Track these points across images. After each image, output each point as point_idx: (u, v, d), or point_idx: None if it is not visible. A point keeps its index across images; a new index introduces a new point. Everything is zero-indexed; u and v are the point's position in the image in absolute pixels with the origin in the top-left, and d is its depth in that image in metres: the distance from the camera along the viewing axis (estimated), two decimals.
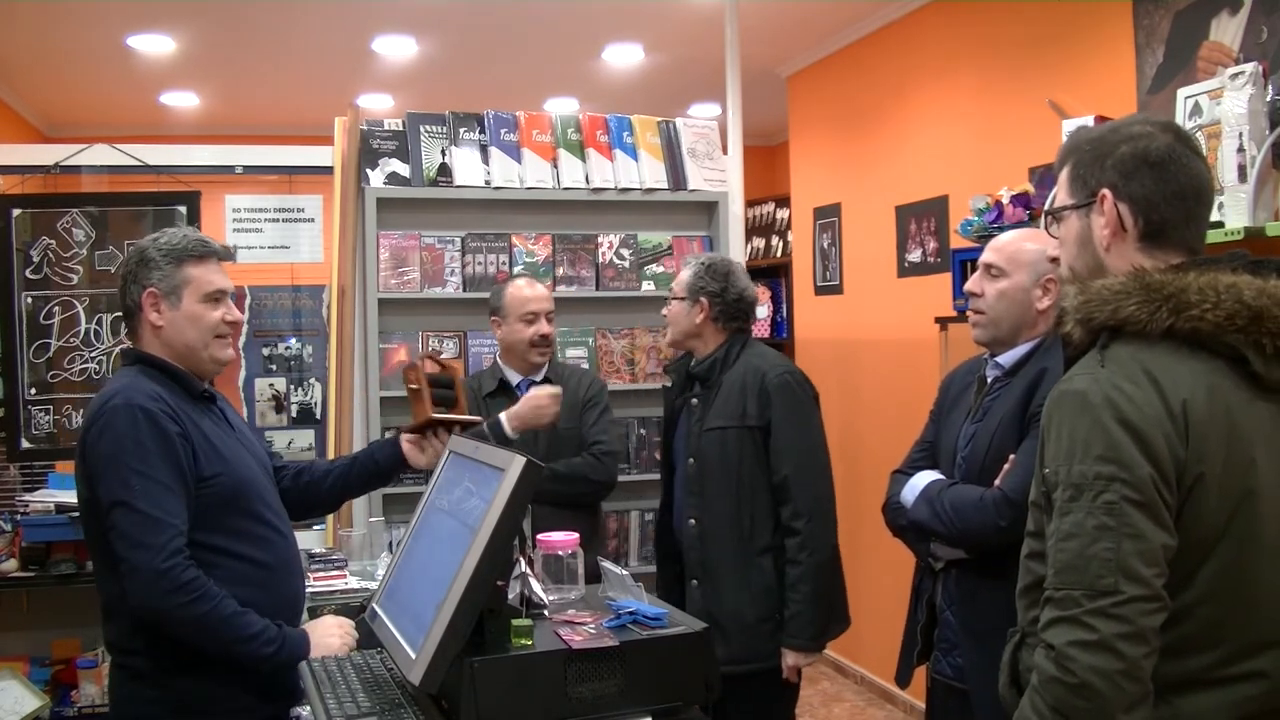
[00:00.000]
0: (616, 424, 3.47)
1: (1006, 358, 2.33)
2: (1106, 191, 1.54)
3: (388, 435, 2.85)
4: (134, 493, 2.00)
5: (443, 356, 2.84)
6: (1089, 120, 2.78)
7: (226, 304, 2.24)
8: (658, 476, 3.92)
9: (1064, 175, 1.62)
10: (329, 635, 2.20)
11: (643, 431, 3.95)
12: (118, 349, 4.07)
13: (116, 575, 2.07)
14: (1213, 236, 2.31)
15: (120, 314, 2.27)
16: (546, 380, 3.35)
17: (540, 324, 3.33)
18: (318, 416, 4.59)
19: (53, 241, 4.10)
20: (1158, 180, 1.51)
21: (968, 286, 2.40)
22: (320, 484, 2.47)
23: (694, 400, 3.04)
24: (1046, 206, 1.84)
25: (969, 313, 2.40)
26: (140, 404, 2.06)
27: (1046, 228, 1.69)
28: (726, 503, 2.91)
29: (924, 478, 2.38)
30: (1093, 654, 1.33)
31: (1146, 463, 1.37)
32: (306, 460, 2.57)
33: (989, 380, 2.36)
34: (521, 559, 1.97)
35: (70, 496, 3.33)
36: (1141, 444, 1.37)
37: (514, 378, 3.35)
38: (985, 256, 2.37)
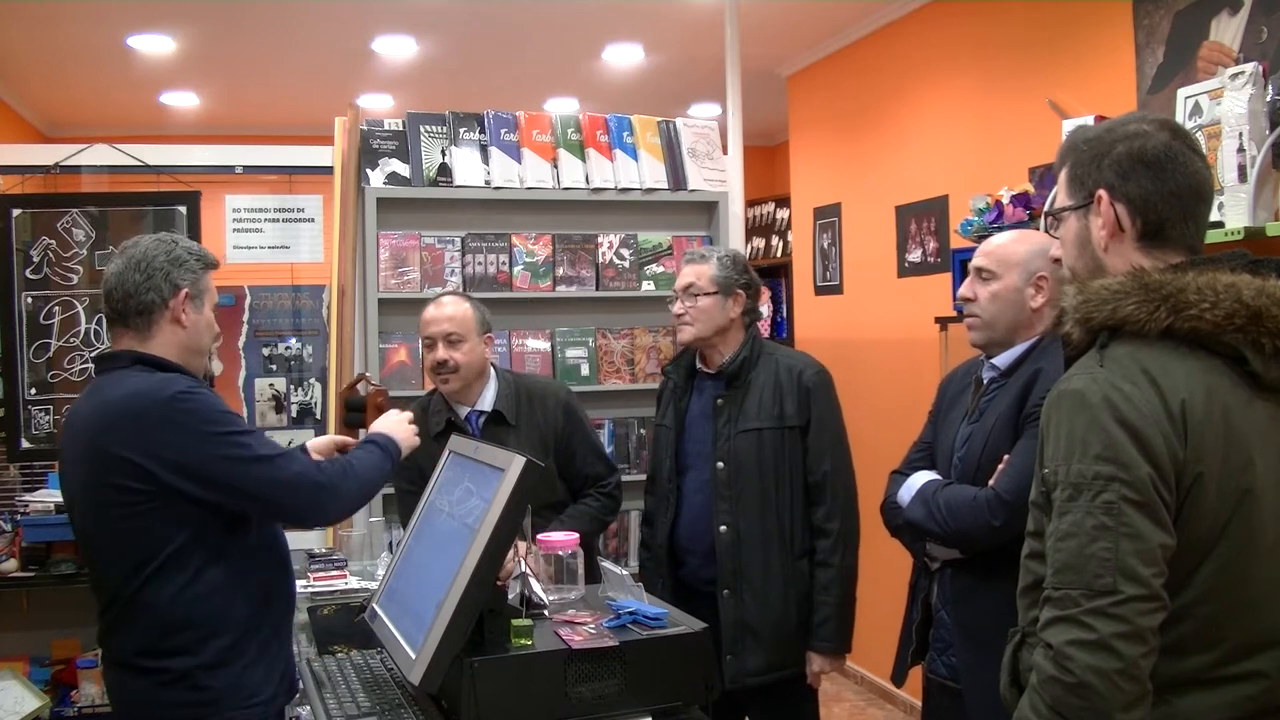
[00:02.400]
0: (595, 429, 3.19)
1: (1002, 359, 2.33)
2: (1103, 192, 1.54)
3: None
4: (253, 448, 2.07)
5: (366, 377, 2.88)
6: (1089, 120, 2.78)
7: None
8: None
9: (1063, 176, 1.62)
10: (406, 432, 2.44)
11: (643, 431, 3.95)
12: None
13: (161, 576, 2.05)
14: (1213, 236, 2.31)
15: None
16: (498, 413, 2.99)
17: (437, 349, 2.93)
18: (317, 416, 4.59)
19: (53, 241, 4.10)
20: (1155, 180, 1.51)
21: (961, 292, 2.41)
22: None
23: (719, 400, 2.88)
24: (1046, 207, 1.84)
25: (964, 317, 2.41)
26: (182, 387, 2.08)
27: (1047, 229, 1.69)
28: (764, 507, 2.80)
29: (920, 478, 2.39)
30: (1091, 653, 1.33)
31: (1145, 462, 1.37)
32: None
33: (985, 381, 2.37)
34: (522, 559, 1.98)
35: None
36: (1140, 444, 1.37)
37: (461, 411, 3.00)
38: (975, 260, 2.38)
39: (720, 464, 2.84)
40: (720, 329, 2.91)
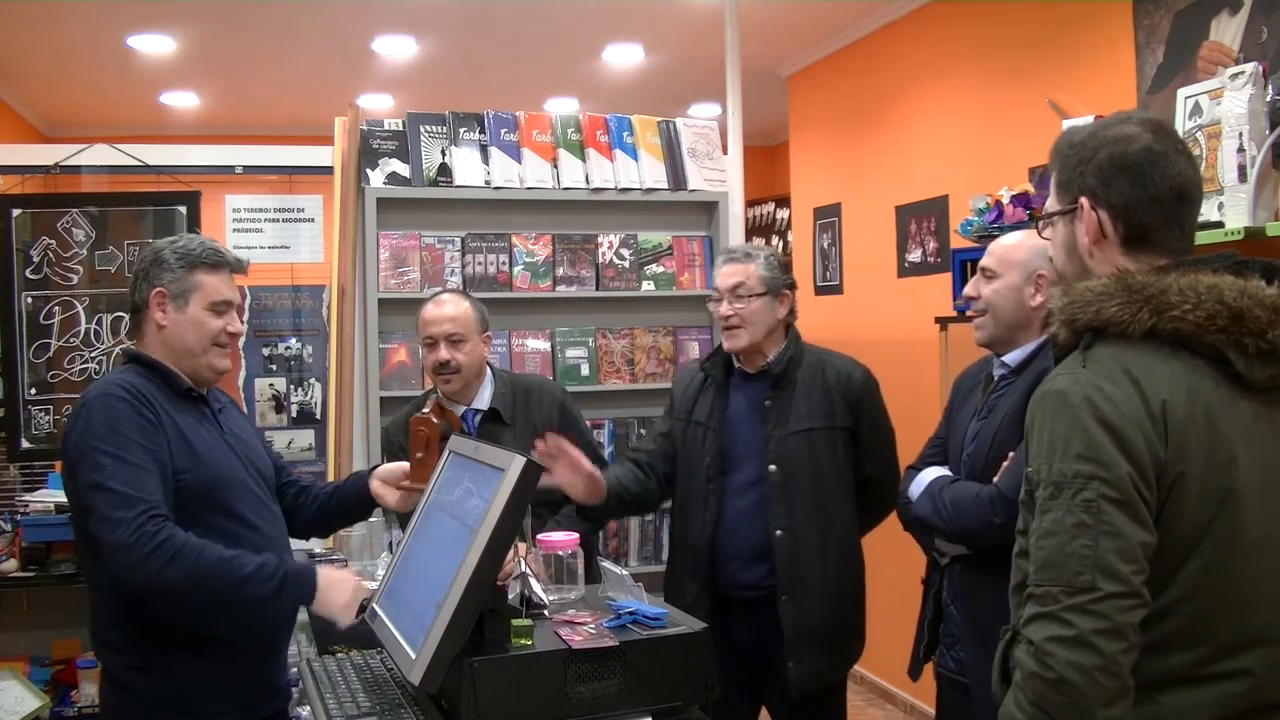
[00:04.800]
0: (590, 429, 3.21)
1: (1012, 356, 2.36)
2: (1084, 199, 1.55)
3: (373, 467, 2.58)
4: (106, 473, 2.01)
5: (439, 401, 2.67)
6: (1089, 120, 2.78)
7: (231, 315, 2.26)
8: None
9: (1053, 179, 1.63)
10: (340, 591, 2.13)
11: (643, 432, 3.95)
12: (118, 349, 4.07)
13: (98, 569, 2.09)
14: (1213, 236, 2.31)
15: (121, 313, 2.29)
16: (494, 411, 2.99)
17: (439, 350, 2.93)
18: (317, 417, 4.59)
19: (53, 241, 4.10)
20: (1134, 185, 1.51)
21: (965, 291, 2.45)
22: (307, 509, 2.48)
23: (767, 402, 2.79)
24: (1042, 210, 1.85)
25: (970, 315, 2.45)
26: (114, 393, 2.09)
27: (1040, 232, 1.71)
28: (818, 509, 2.75)
29: (930, 473, 2.41)
30: (1070, 650, 1.34)
31: (1125, 461, 1.38)
32: (311, 482, 2.56)
33: (995, 378, 2.39)
34: (522, 559, 1.97)
35: None
36: (1120, 443, 1.38)
37: (457, 409, 2.96)
38: (981, 261, 2.43)
39: (773, 467, 2.74)
40: (770, 330, 2.84)
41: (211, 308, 2.22)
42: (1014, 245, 2.38)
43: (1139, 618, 1.37)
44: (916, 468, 2.50)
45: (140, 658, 2.09)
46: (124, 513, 1.98)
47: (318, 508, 2.48)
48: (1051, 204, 1.63)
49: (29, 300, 4.08)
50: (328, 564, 2.96)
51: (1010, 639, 1.52)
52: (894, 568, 2.93)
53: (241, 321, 2.35)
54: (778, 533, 2.73)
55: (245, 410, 4.50)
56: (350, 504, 2.48)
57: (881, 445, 2.88)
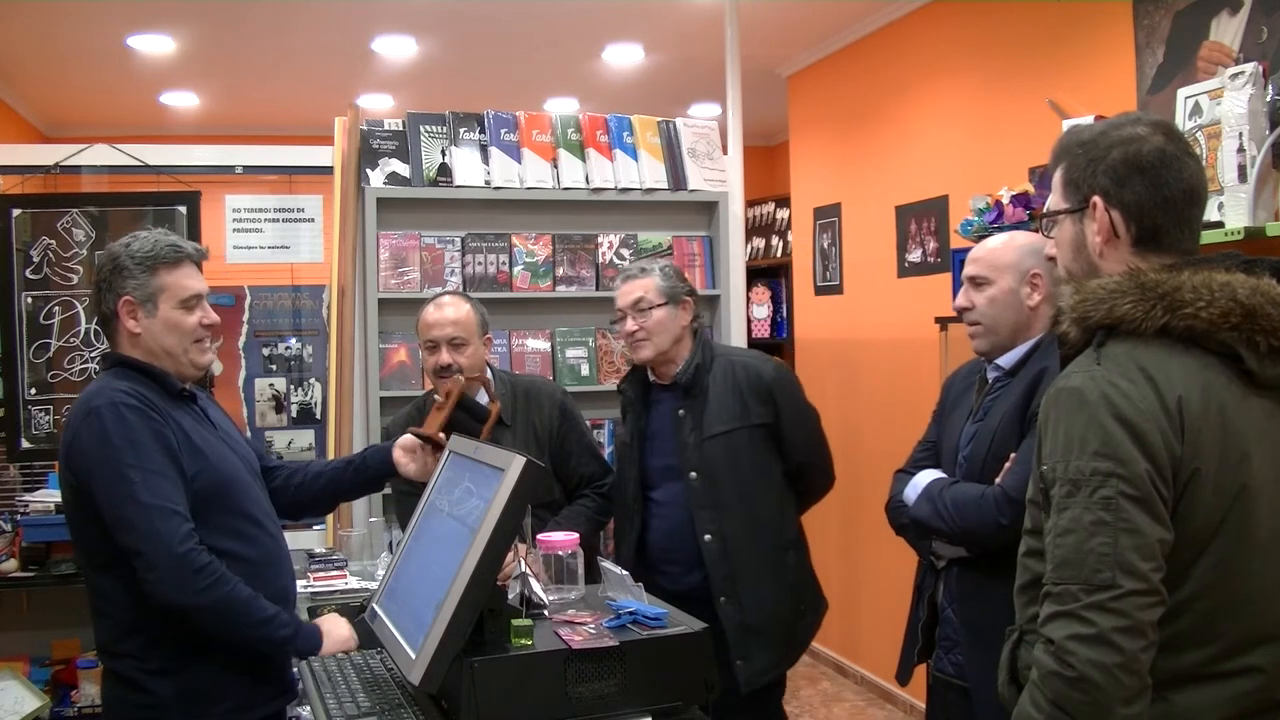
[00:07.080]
0: (590, 430, 3.24)
1: (1007, 358, 2.34)
2: (1098, 199, 1.54)
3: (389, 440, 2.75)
4: (135, 486, 2.01)
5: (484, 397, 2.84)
6: (1089, 120, 2.78)
7: (203, 307, 2.24)
8: None
9: (1057, 178, 1.62)
10: (337, 626, 2.23)
11: None
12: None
13: (110, 575, 2.09)
14: (1213, 236, 2.31)
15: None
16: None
17: (440, 353, 2.94)
18: (318, 416, 4.59)
19: (53, 241, 4.10)
20: (1149, 186, 1.52)
21: (957, 303, 2.42)
22: (312, 485, 2.48)
23: (680, 411, 2.88)
24: (1044, 208, 1.85)
25: (965, 326, 2.42)
26: (123, 401, 2.08)
27: (1043, 231, 1.70)
28: (745, 508, 2.83)
29: (926, 476, 2.39)
30: (1091, 648, 1.34)
31: (1143, 458, 1.38)
32: (302, 461, 2.56)
33: (990, 380, 2.38)
34: (521, 559, 1.97)
35: None
36: (1138, 440, 1.38)
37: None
38: (966, 269, 2.39)
39: (694, 474, 2.84)
40: (677, 339, 2.93)
41: (182, 305, 2.20)
42: (999, 248, 2.36)
43: (1157, 615, 1.37)
44: (908, 471, 2.48)
45: (155, 662, 2.10)
46: (163, 526, 2.01)
47: (327, 483, 2.48)
48: (1057, 202, 1.62)
49: (29, 300, 4.08)
50: (325, 563, 2.97)
51: (1018, 639, 1.52)
52: (896, 567, 2.93)
53: (241, 312, 2.35)
54: (705, 538, 2.81)
55: (245, 411, 4.51)
56: (371, 473, 2.50)
57: (806, 434, 2.96)
